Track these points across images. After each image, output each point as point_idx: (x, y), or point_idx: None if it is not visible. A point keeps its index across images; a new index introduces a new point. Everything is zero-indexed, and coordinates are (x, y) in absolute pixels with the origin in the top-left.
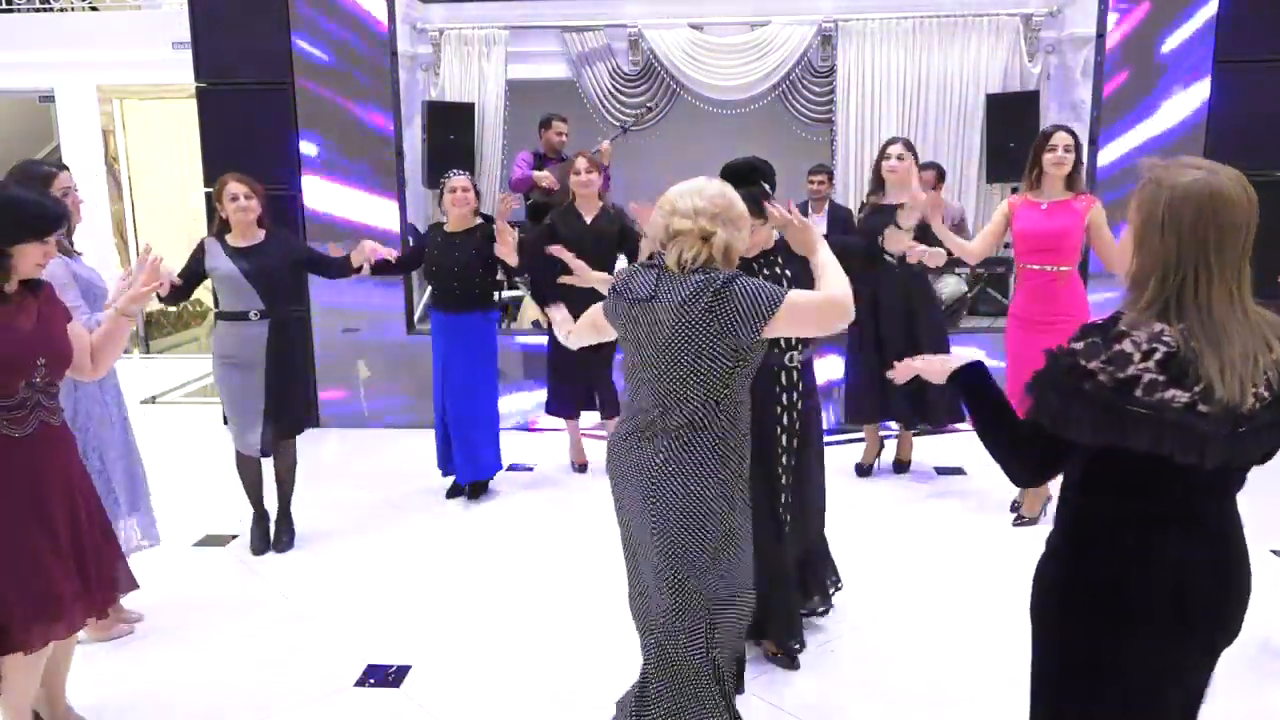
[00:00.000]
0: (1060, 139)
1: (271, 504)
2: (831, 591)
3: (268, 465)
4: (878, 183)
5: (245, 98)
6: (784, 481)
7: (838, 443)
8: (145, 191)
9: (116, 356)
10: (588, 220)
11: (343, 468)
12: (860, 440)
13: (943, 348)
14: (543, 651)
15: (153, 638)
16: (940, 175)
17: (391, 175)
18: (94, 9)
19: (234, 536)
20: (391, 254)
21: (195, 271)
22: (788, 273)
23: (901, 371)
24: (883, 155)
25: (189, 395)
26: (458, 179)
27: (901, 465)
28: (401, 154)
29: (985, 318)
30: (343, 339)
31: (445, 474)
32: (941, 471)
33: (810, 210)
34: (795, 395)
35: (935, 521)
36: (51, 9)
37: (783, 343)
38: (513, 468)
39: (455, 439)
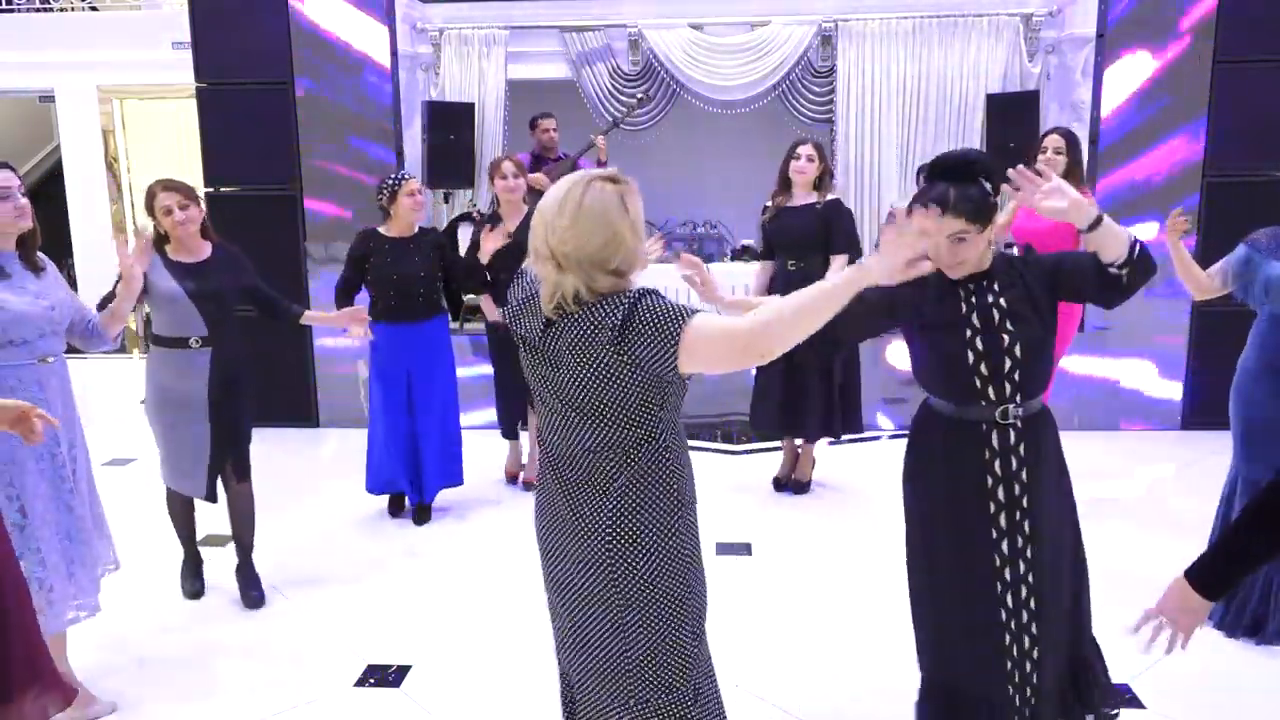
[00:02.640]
0: (1050, 141)
1: (225, 554)
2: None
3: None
4: (784, 184)
5: (245, 98)
6: (1007, 578)
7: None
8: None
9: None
10: (510, 229)
11: (342, 467)
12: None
13: (854, 355)
14: (543, 651)
15: (152, 638)
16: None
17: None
18: (94, 9)
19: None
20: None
21: None
22: (1003, 301)
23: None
24: (792, 155)
25: None
26: (415, 181)
27: (799, 485)
28: (401, 154)
29: None
30: (342, 339)
31: (399, 495)
32: None
33: None
34: (1016, 464)
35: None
36: (51, 9)
37: (991, 391)
38: None
39: (427, 455)
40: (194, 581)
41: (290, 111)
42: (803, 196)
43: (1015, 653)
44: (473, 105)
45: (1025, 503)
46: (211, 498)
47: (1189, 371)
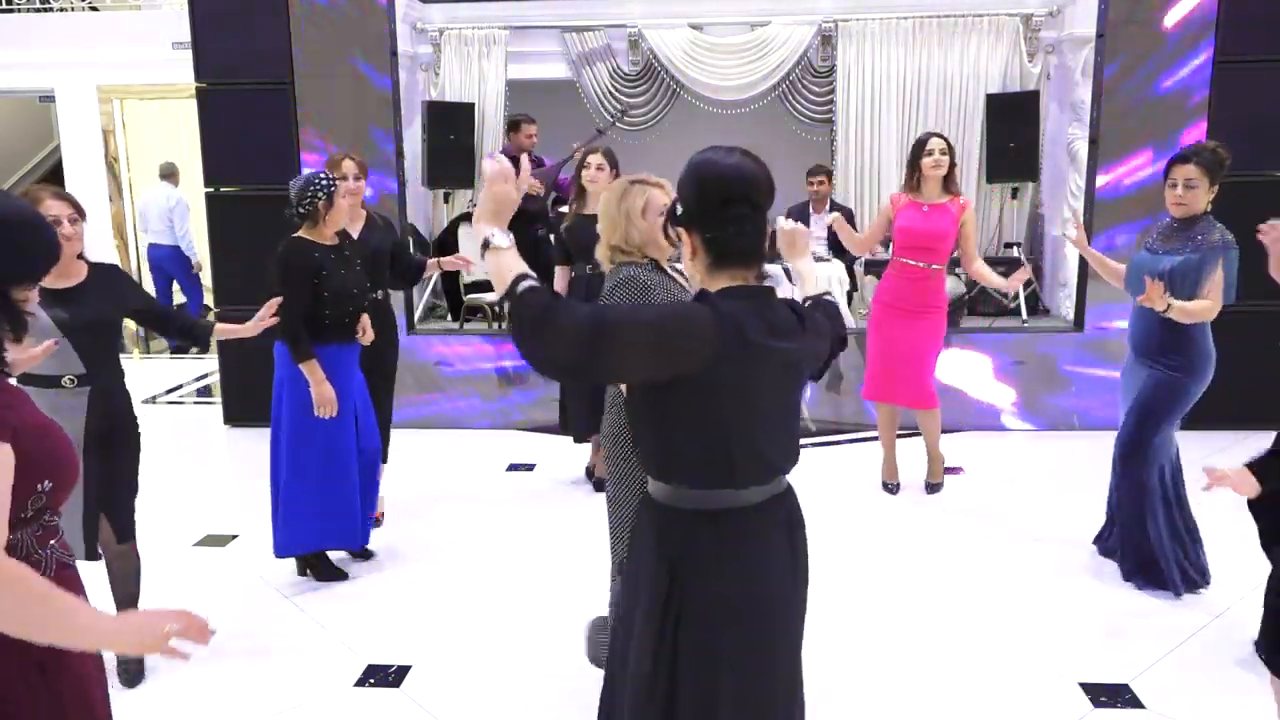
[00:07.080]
0: (935, 144)
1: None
2: None
3: (96, 569)
4: (580, 192)
5: (245, 98)
6: None
7: (846, 441)
8: (145, 192)
9: None
10: (354, 235)
11: None
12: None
13: None
14: (543, 651)
15: None
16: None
17: (392, 175)
18: (94, 9)
19: (234, 537)
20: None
21: None
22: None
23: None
24: (583, 165)
25: (189, 395)
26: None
27: (600, 484)
28: (401, 154)
29: (985, 318)
30: None
31: (356, 547)
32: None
33: (811, 211)
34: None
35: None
36: (51, 9)
37: None
38: (512, 468)
39: (368, 492)
40: None
41: (290, 111)
42: (596, 204)
43: None
44: (473, 105)
45: None
46: (90, 556)
47: None
